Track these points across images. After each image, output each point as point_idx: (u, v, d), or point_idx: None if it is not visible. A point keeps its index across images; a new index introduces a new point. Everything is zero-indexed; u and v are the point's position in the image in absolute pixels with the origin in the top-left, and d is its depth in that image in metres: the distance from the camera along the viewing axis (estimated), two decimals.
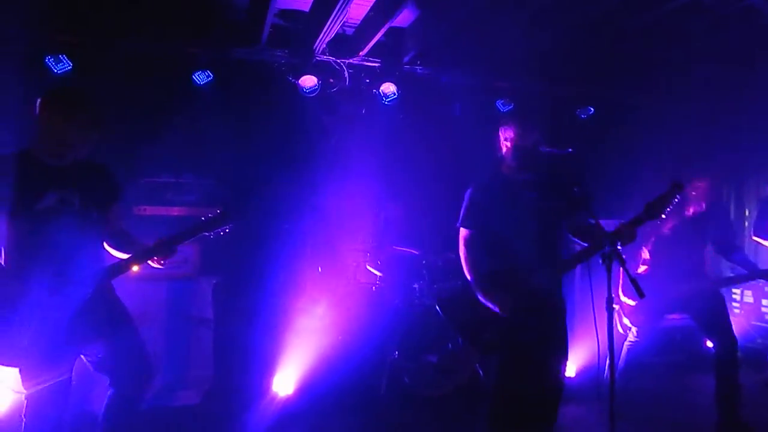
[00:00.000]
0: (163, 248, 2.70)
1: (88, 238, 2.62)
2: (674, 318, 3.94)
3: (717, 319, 3.70)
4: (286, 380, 4.26)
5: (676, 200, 2.80)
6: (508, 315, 2.79)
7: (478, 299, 2.89)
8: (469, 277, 2.95)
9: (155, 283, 4.19)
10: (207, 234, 2.79)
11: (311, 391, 4.20)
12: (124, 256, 2.72)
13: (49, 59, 4.32)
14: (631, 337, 4.02)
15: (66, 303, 2.47)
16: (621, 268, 2.45)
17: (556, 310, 2.91)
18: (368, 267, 5.01)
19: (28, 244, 2.47)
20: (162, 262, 2.76)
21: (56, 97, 2.59)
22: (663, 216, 2.80)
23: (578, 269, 2.99)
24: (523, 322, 2.78)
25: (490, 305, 2.85)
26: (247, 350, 4.42)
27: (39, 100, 2.55)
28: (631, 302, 3.91)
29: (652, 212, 2.79)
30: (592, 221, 2.67)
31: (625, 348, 4.02)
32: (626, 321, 3.97)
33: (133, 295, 3.01)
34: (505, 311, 2.80)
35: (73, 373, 2.57)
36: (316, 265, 4.94)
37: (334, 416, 3.99)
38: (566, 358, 2.93)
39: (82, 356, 2.63)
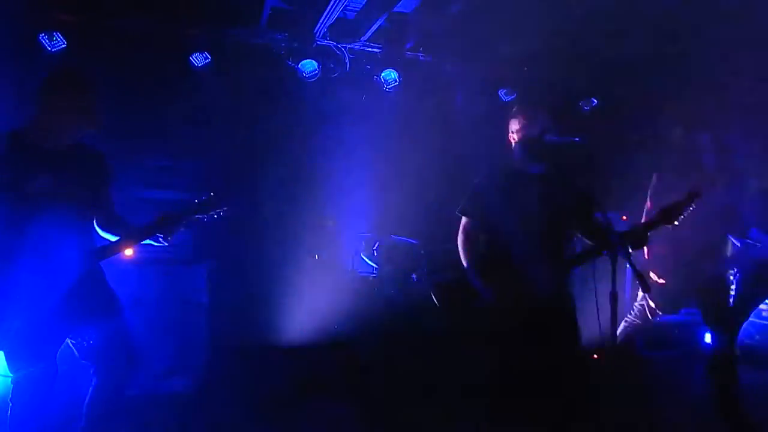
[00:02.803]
0: (167, 223, 2.63)
1: (79, 221, 2.57)
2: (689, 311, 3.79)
3: (719, 320, 3.52)
4: (280, 368, 4.22)
5: (692, 208, 2.78)
6: (500, 307, 2.78)
7: (473, 289, 2.88)
8: (464, 264, 2.96)
9: (150, 267, 4.13)
10: (201, 217, 2.74)
11: (307, 380, 4.16)
12: (116, 239, 2.67)
13: (42, 36, 4.22)
14: (631, 317, 3.82)
15: (54, 286, 2.42)
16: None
17: (555, 306, 2.84)
18: (363, 257, 4.96)
19: (18, 226, 2.41)
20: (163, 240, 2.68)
21: (64, 80, 2.51)
22: (677, 222, 2.78)
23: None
24: (515, 317, 2.76)
25: (482, 292, 2.84)
26: (241, 337, 4.38)
27: (44, 81, 2.47)
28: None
29: (666, 217, 2.77)
30: (600, 218, 2.61)
31: (622, 324, 3.80)
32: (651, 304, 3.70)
33: (127, 280, 2.97)
34: (495, 300, 2.79)
35: (61, 360, 2.52)
36: (313, 253, 4.89)
37: (329, 405, 3.95)
38: (573, 357, 2.86)
39: (69, 342, 2.58)
